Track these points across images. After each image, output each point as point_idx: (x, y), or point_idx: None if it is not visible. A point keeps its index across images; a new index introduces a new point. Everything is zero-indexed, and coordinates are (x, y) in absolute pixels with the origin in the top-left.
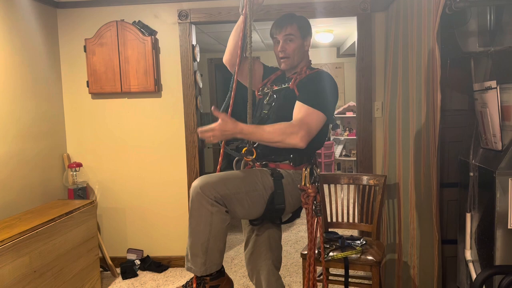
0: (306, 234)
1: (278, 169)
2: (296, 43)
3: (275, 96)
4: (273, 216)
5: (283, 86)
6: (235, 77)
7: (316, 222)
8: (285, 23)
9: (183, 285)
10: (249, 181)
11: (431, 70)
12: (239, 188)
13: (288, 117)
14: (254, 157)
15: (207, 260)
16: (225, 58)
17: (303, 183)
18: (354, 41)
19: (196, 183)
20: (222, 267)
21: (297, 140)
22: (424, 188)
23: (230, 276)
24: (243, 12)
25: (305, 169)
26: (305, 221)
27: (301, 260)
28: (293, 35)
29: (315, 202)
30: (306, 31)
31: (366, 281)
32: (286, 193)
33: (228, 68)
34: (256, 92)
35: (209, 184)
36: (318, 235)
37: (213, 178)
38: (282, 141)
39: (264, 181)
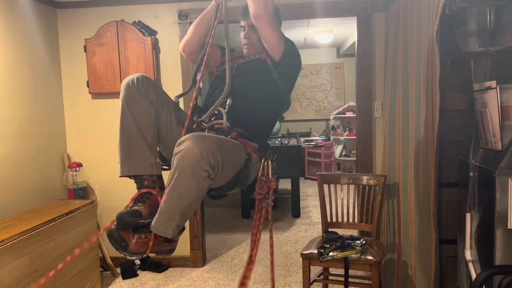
0: (306, 234)
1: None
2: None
3: (241, 69)
4: (223, 192)
5: (253, 57)
6: (202, 67)
7: (269, 213)
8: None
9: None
10: (235, 153)
11: (431, 70)
12: (227, 159)
13: (257, 87)
14: (226, 128)
15: (181, 223)
16: (185, 47)
17: (261, 173)
18: (354, 41)
19: (192, 144)
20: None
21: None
22: (423, 188)
23: (230, 276)
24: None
25: (266, 160)
26: (304, 221)
27: (301, 260)
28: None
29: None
30: None
31: (366, 281)
32: (249, 174)
33: (186, 56)
34: (214, 71)
35: (208, 150)
36: (321, 235)
37: (209, 142)
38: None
39: (240, 156)
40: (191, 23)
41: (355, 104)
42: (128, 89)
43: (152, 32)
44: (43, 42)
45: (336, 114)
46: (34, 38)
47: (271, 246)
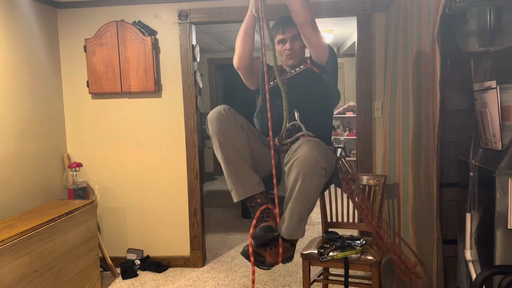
0: (306, 234)
1: None
2: (301, 42)
3: (292, 82)
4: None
5: (299, 69)
6: (267, 84)
7: (362, 197)
8: (291, 24)
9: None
10: (332, 155)
11: (431, 70)
12: (330, 159)
13: (315, 94)
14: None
15: (305, 221)
16: (240, 63)
17: (342, 171)
18: (354, 41)
19: (308, 148)
20: None
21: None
22: (424, 188)
23: (230, 276)
24: (256, 12)
25: (342, 158)
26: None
27: (301, 260)
28: (298, 34)
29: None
30: None
31: (366, 281)
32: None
33: (241, 73)
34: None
35: (321, 150)
36: (321, 235)
37: (319, 145)
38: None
39: (334, 158)
40: (191, 23)
41: (355, 104)
42: (220, 121)
43: (152, 32)
44: (43, 42)
45: (336, 114)
46: (34, 38)
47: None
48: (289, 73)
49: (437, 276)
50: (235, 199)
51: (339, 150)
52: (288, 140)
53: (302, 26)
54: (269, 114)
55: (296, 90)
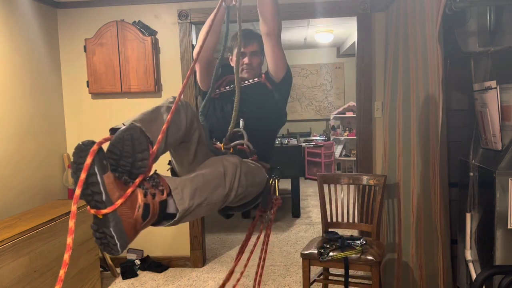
0: (306, 234)
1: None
2: (259, 59)
3: (245, 92)
4: (238, 210)
5: (253, 81)
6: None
7: (267, 228)
8: (252, 39)
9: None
10: (259, 178)
11: (432, 70)
12: (251, 183)
13: (263, 109)
14: (249, 150)
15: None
16: (202, 55)
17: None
18: (354, 41)
19: (239, 163)
20: None
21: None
22: (429, 187)
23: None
24: (235, 4)
25: (273, 179)
26: (304, 221)
27: (301, 260)
28: (258, 51)
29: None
30: (263, 49)
31: (366, 281)
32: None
33: (201, 66)
34: (213, 94)
35: (238, 177)
36: (321, 235)
37: (248, 164)
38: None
39: (263, 178)
40: (191, 23)
41: (355, 104)
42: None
43: (152, 32)
44: (43, 42)
45: (336, 114)
46: (34, 38)
47: (262, 260)
48: (242, 83)
49: (445, 278)
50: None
51: (276, 170)
52: (228, 146)
53: (267, 36)
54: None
55: (245, 101)
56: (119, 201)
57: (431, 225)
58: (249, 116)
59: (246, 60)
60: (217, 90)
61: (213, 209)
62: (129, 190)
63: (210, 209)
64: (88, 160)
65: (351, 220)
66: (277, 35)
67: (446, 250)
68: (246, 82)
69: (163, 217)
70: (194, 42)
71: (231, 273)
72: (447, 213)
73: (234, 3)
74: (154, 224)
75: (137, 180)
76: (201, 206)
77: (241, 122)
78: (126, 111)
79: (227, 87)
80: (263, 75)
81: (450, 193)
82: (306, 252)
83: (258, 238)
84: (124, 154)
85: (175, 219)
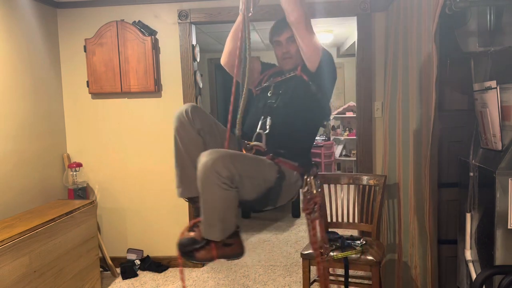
0: (306, 234)
1: (283, 168)
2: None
3: (280, 86)
4: (255, 207)
5: (288, 75)
6: (235, 79)
7: (319, 225)
8: (285, 26)
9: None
10: (256, 168)
11: (430, 70)
12: (245, 172)
13: (297, 104)
14: (265, 148)
15: (225, 227)
16: (224, 60)
17: (306, 190)
18: (354, 41)
19: (205, 158)
20: (238, 226)
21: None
22: (424, 188)
23: (230, 276)
24: (243, 11)
25: (309, 177)
26: (304, 221)
27: (301, 260)
28: (293, 37)
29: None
30: None
31: (366, 281)
32: (281, 194)
33: (228, 70)
34: (253, 89)
35: (221, 162)
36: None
37: (223, 155)
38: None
39: (266, 174)
40: (191, 23)
41: (355, 104)
42: (179, 121)
43: (152, 32)
44: (43, 42)
45: (336, 114)
46: (34, 38)
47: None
48: (278, 78)
49: (432, 276)
50: (177, 195)
51: (311, 167)
52: (247, 147)
53: (294, 26)
54: (231, 108)
55: (278, 96)
56: None
57: (423, 225)
58: (281, 113)
59: (283, 48)
60: (259, 86)
61: (232, 207)
62: None
63: (230, 209)
64: None
65: (351, 220)
66: (304, 22)
67: (434, 249)
68: (283, 76)
69: None
70: (194, 42)
71: None
72: (435, 214)
73: (250, 14)
74: None
75: None
76: (226, 219)
77: (268, 120)
78: (126, 111)
79: (266, 83)
80: (299, 67)
81: (450, 193)
82: (306, 252)
83: (313, 233)
84: None
85: None
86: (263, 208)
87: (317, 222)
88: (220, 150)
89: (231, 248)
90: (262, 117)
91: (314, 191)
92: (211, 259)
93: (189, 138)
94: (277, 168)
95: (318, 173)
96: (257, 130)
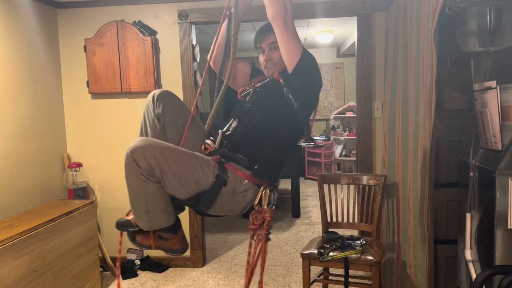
0: (306, 234)
1: (226, 175)
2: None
3: (258, 91)
4: (194, 208)
5: (267, 79)
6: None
7: (261, 248)
8: (268, 31)
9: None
10: (186, 167)
11: (429, 70)
12: (170, 168)
13: (267, 109)
14: (212, 148)
15: (151, 219)
16: (214, 67)
17: (257, 202)
18: (354, 41)
19: (131, 144)
20: (177, 225)
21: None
22: (421, 188)
23: (230, 276)
24: (232, 11)
25: (264, 189)
26: (304, 221)
27: (301, 260)
28: (277, 43)
29: (267, 226)
30: None
31: (366, 281)
32: (217, 201)
33: (214, 68)
34: (238, 95)
35: (140, 151)
36: (321, 235)
37: (148, 145)
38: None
39: (200, 176)
40: (191, 23)
41: (355, 104)
42: (146, 102)
43: (152, 32)
44: (43, 42)
45: (336, 114)
46: (34, 38)
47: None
48: (260, 82)
49: (429, 276)
50: None
51: (268, 180)
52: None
53: (272, 21)
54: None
55: (254, 101)
56: None
57: (420, 225)
58: (251, 117)
59: (265, 56)
60: (244, 92)
61: (157, 201)
62: None
63: (154, 202)
64: None
65: (351, 220)
66: (283, 18)
67: (431, 249)
68: (262, 81)
69: None
70: (194, 42)
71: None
72: (432, 214)
73: (232, 10)
74: None
75: None
76: (151, 211)
77: (234, 122)
78: (126, 111)
79: (247, 88)
80: (276, 71)
81: (450, 193)
82: (306, 252)
83: (254, 256)
84: None
85: None
86: (199, 211)
87: (262, 244)
88: (149, 139)
89: (168, 242)
90: (232, 119)
91: (265, 206)
92: (149, 247)
93: (149, 120)
94: (217, 173)
95: (277, 187)
96: (206, 130)
